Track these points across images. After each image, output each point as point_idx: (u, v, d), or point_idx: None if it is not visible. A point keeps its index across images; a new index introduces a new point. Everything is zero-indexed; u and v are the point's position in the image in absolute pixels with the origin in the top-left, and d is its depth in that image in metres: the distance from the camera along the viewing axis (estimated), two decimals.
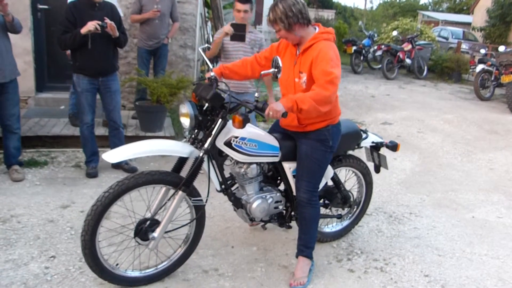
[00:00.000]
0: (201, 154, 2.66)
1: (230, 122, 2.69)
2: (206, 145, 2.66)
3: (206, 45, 3.10)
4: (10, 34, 4.03)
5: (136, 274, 2.79)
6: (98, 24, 3.88)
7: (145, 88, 5.62)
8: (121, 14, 5.36)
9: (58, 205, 3.76)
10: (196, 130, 2.74)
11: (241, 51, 4.26)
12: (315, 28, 2.80)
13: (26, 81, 5.64)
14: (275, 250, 3.34)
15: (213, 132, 2.66)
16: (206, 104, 2.69)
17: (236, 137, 2.71)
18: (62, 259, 3.00)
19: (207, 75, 2.90)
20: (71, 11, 4.00)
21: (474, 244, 3.69)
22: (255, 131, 2.83)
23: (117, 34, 4.09)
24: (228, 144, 2.71)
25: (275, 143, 2.90)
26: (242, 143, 2.73)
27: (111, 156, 2.50)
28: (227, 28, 4.04)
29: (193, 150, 2.67)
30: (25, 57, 5.72)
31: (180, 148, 2.65)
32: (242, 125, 2.51)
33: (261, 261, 3.19)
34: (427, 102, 9.49)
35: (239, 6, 4.18)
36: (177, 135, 5.55)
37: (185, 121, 2.70)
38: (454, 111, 8.72)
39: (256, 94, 2.58)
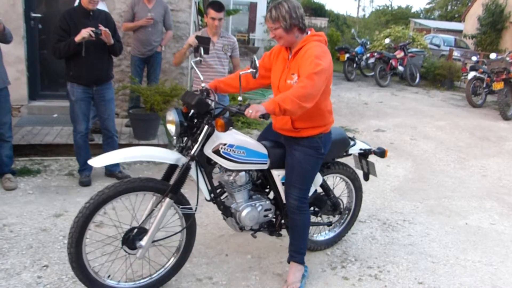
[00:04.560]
0: (187, 161, 2.66)
1: None
2: (192, 152, 2.67)
3: (198, 58, 3.13)
4: (0, 44, 4.01)
5: (129, 285, 2.77)
6: (92, 31, 3.88)
7: (138, 96, 5.62)
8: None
9: (51, 214, 3.74)
10: (184, 139, 2.76)
11: (215, 57, 4.32)
12: (307, 32, 2.83)
13: (19, 89, 5.62)
14: (269, 258, 3.34)
15: (199, 139, 2.67)
16: (192, 111, 2.72)
17: (224, 144, 2.73)
18: (55, 268, 2.97)
19: (199, 87, 2.94)
20: (65, 19, 3.99)
21: (468, 251, 3.70)
22: (243, 138, 2.86)
23: (112, 41, 4.08)
24: (216, 151, 2.73)
25: (264, 151, 2.92)
26: (230, 150, 2.74)
27: (96, 161, 2.53)
28: (191, 40, 4.10)
29: (180, 157, 2.68)
30: (18, 66, 5.70)
31: (167, 155, 2.65)
32: (225, 128, 2.53)
33: (255, 269, 3.18)
34: (420, 109, 9.55)
35: (213, 14, 4.23)
36: (171, 143, 5.54)
37: (171, 128, 2.72)
38: (447, 118, 8.79)
39: (240, 98, 2.61)
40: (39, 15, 5.93)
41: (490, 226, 4.22)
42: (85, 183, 4.37)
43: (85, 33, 3.86)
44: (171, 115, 2.69)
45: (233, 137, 2.77)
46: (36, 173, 4.54)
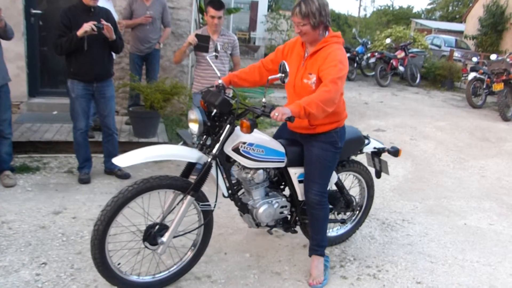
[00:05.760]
0: (209, 160, 2.69)
1: (237, 128, 2.73)
2: (214, 151, 2.70)
3: (214, 53, 3.13)
4: (1, 40, 4.01)
5: (134, 278, 2.78)
6: (94, 25, 3.88)
7: (138, 94, 5.62)
8: (116, 18, 5.38)
9: (50, 211, 3.74)
10: (204, 136, 2.78)
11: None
12: (326, 32, 2.84)
13: (18, 86, 5.61)
14: (268, 257, 3.34)
15: (221, 138, 2.70)
16: (214, 110, 2.74)
17: (244, 143, 2.76)
18: (54, 266, 2.97)
19: (216, 82, 2.94)
20: (67, 15, 3.99)
21: (466, 251, 3.70)
22: (262, 137, 2.89)
23: (114, 36, 4.07)
24: (236, 150, 2.76)
25: (281, 149, 2.95)
26: (250, 148, 2.78)
27: (121, 160, 2.53)
28: (191, 38, 4.08)
29: (202, 155, 2.71)
30: (18, 62, 5.69)
31: (189, 154, 2.68)
32: (250, 130, 2.56)
33: (254, 268, 3.19)
34: (420, 109, 9.55)
35: (213, 12, 4.21)
36: (170, 141, 5.54)
37: (194, 127, 2.74)
38: (447, 119, 8.79)
39: (264, 100, 2.59)
40: (39, 11, 5.93)
41: (489, 227, 4.22)
42: (84, 180, 4.36)
43: (87, 26, 3.86)
44: (194, 114, 2.71)
45: (253, 135, 2.77)
46: (35, 170, 4.54)
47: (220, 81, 2.93)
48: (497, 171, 5.93)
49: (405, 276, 3.24)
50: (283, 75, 2.55)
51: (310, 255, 3.11)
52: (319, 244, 3.09)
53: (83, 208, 3.84)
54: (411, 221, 4.18)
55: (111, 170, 4.59)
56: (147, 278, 2.82)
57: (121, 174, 4.55)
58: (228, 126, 2.70)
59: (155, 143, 5.21)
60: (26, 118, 5.66)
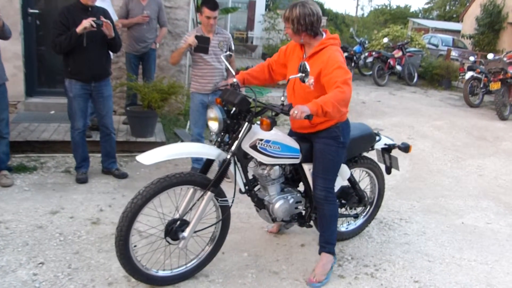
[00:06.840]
0: (228, 156, 2.75)
1: (254, 126, 2.80)
2: (233, 148, 2.77)
3: (228, 52, 3.18)
4: None
5: (145, 269, 2.81)
6: (94, 21, 3.87)
7: (135, 93, 5.61)
8: (116, 18, 5.36)
9: (47, 211, 3.73)
10: (222, 133, 2.85)
11: (212, 54, 4.31)
12: (322, 34, 2.90)
13: (16, 85, 5.60)
14: (265, 256, 3.34)
15: (240, 135, 2.77)
16: (233, 109, 2.81)
17: (261, 140, 2.82)
18: (51, 266, 2.97)
19: (230, 81, 3.02)
20: (65, 14, 3.99)
21: (464, 249, 3.71)
22: (278, 134, 2.95)
23: (113, 34, 4.06)
24: (253, 146, 2.82)
25: (296, 145, 3.01)
26: (267, 145, 2.84)
27: (145, 158, 2.59)
28: (190, 40, 4.08)
29: (220, 152, 2.78)
30: (15, 62, 5.68)
31: (210, 151, 2.76)
32: (270, 127, 2.63)
33: (252, 267, 3.19)
34: (417, 109, 9.56)
35: (208, 13, 4.20)
36: (168, 140, 5.53)
37: (213, 125, 2.80)
38: (444, 118, 8.80)
39: (282, 98, 2.64)
40: (36, 11, 5.91)
41: (486, 225, 4.23)
42: (82, 180, 4.35)
43: (87, 23, 3.85)
44: (214, 113, 2.78)
45: (270, 132, 2.83)
46: (33, 170, 4.53)
47: (235, 80, 3.01)
48: (494, 170, 5.95)
49: (403, 275, 3.25)
50: (303, 74, 2.61)
51: (319, 253, 3.15)
52: (327, 241, 3.11)
53: (80, 207, 3.84)
54: (409, 220, 4.19)
55: (109, 170, 4.58)
56: (167, 272, 2.88)
57: (119, 173, 4.55)
58: (246, 123, 2.76)
59: (152, 142, 5.20)
60: (24, 118, 5.64)
